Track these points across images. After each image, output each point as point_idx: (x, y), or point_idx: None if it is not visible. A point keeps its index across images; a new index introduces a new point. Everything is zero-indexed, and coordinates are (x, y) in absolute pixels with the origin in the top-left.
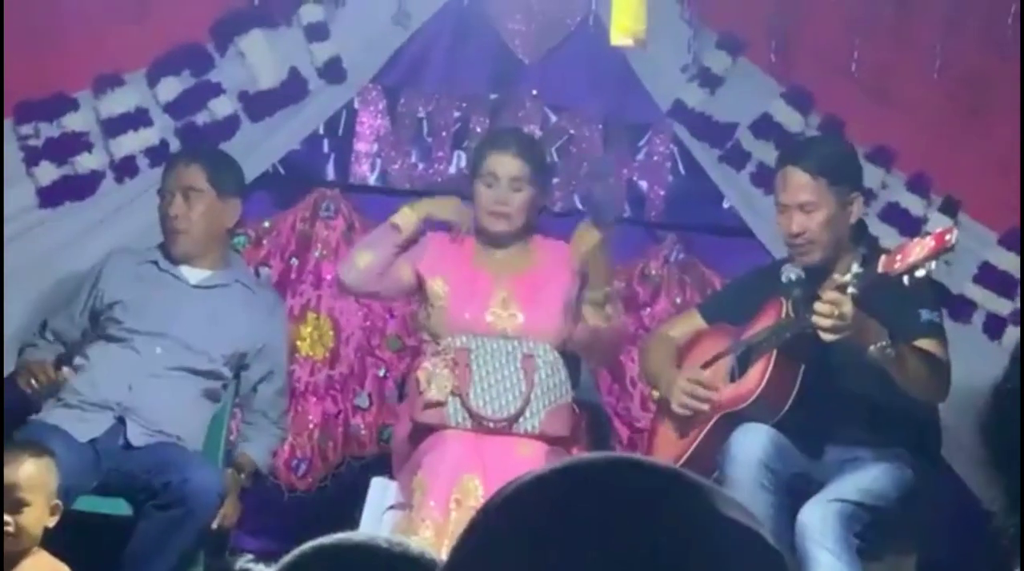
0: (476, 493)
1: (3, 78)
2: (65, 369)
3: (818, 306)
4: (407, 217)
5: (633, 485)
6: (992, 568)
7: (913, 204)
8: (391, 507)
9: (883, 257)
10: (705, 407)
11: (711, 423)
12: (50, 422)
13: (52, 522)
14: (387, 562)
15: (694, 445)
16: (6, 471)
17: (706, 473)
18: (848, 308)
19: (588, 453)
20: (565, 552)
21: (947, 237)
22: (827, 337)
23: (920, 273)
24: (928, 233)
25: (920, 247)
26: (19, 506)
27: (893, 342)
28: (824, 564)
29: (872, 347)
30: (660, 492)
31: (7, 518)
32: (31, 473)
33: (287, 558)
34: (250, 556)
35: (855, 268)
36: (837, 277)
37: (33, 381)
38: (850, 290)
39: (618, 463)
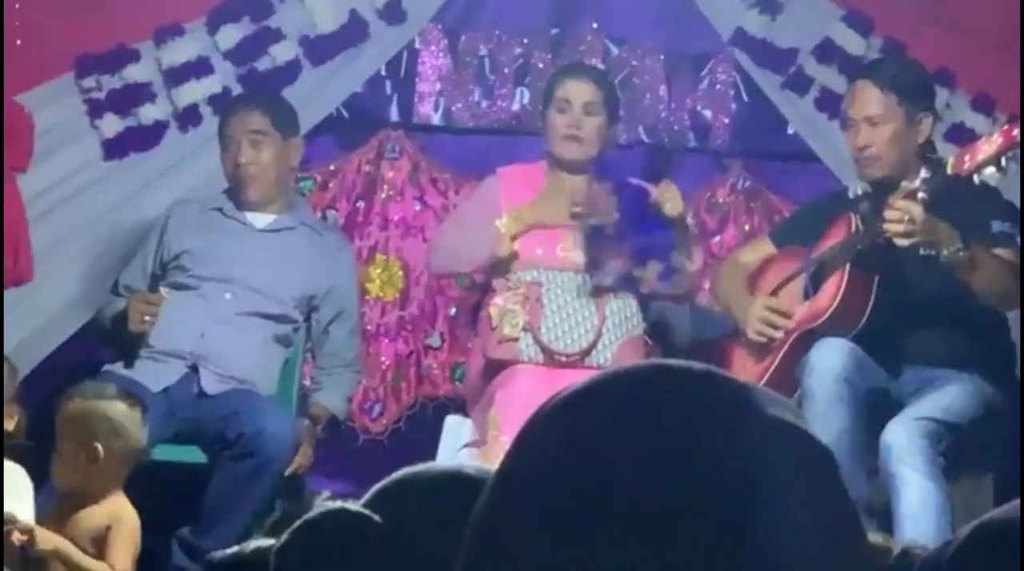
0: None
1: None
2: (163, 289)
3: (888, 213)
4: (505, 247)
5: (674, 388)
6: None
7: (978, 123)
8: (466, 445)
9: (951, 158)
10: (779, 334)
11: (789, 342)
12: (124, 373)
13: (128, 470)
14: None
15: (774, 365)
16: (98, 405)
17: (787, 390)
18: (919, 212)
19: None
20: (610, 460)
21: (1015, 132)
22: (900, 242)
23: (990, 170)
24: (999, 129)
25: (988, 144)
26: (104, 442)
27: (966, 245)
28: (913, 483)
29: (945, 251)
30: (701, 394)
31: (96, 445)
32: (122, 413)
33: (377, 487)
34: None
35: (923, 173)
36: (906, 185)
37: (146, 317)
38: (920, 195)
39: (658, 369)
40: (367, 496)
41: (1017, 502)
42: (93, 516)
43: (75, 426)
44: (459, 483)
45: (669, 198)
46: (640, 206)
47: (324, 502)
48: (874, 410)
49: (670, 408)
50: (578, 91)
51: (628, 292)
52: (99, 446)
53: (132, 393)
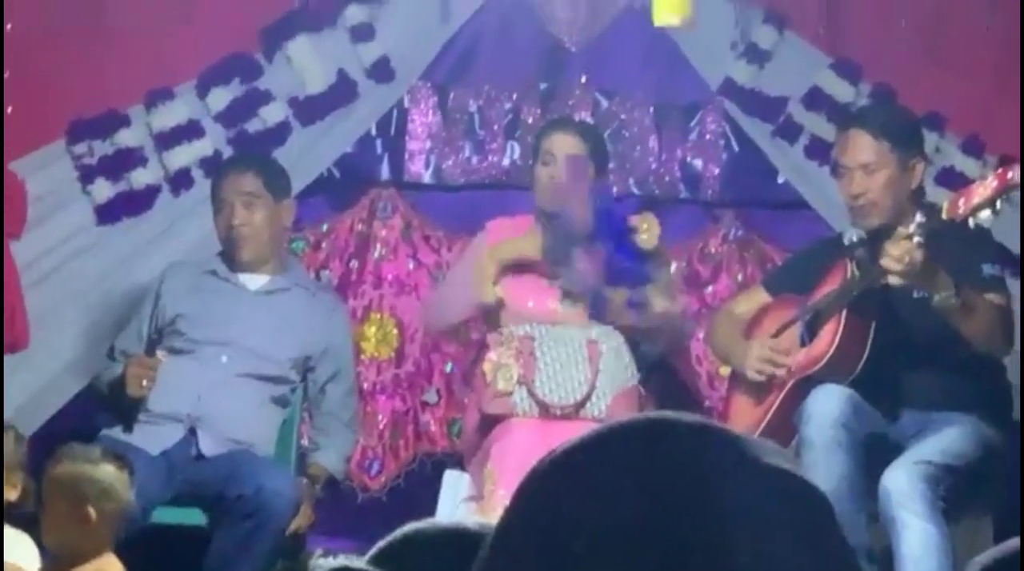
0: None
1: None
2: (159, 353)
3: (887, 255)
4: (489, 292)
5: (670, 441)
6: None
7: (968, 166)
8: (465, 499)
9: (946, 202)
10: (781, 371)
11: (786, 389)
12: (121, 438)
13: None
14: (475, 544)
15: (771, 412)
16: (86, 469)
17: (784, 439)
18: (918, 254)
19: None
20: (607, 514)
21: (1010, 174)
22: (897, 282)
23: (985, 214)
24: (990, 174)
25: (983, 187)
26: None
27: (959, 291)
28: (913, 527)
29: (938, 296)
30: (697, 446)
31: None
32: (111, 475)
33: (380, 544)
34: (321, 551)
35: (919, 217)
36: (902, 229)
37: (144, 381)
38: (916, 239)
39: (654, 421)
40: (370, 553)
41: (1015, 540)
42: None
43: (64, 489)
44: (461, 539)
45: (645, 229)
46: (619, 231)
47: (319, 559)
48: (873, 455)
49: (666, 461)
50: (564, 144)
51: (619, 339)
52: (91, 509)
53: (119, 454)
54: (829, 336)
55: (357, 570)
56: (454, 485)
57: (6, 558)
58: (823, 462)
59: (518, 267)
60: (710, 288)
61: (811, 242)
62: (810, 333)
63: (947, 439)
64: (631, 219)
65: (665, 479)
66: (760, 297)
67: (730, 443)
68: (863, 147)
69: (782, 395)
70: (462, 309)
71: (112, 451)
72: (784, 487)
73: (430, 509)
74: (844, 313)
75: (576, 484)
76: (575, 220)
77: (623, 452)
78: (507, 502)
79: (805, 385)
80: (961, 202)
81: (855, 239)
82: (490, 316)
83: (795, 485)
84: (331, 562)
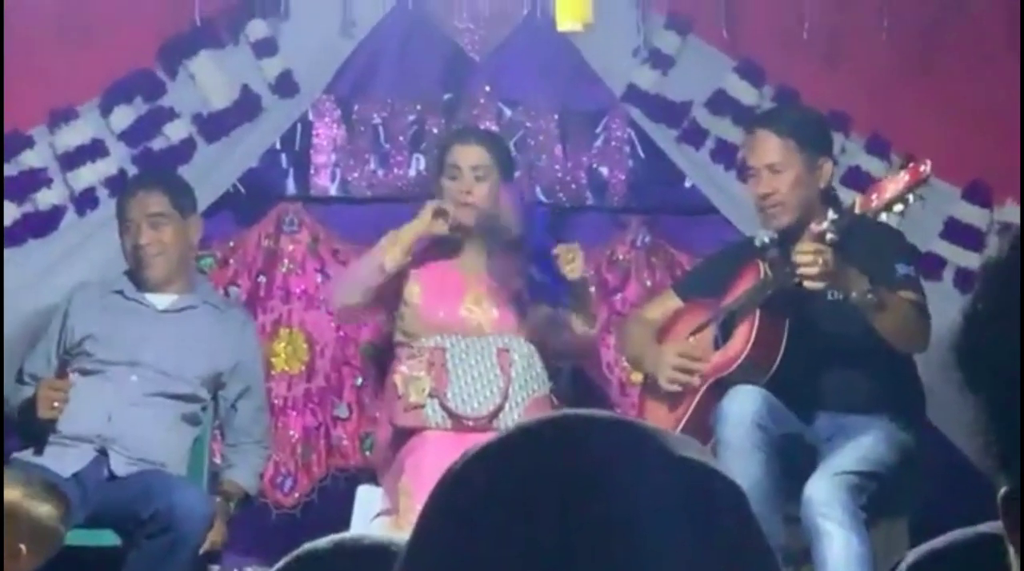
0: None
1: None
2: (72, 375)
3: (799, 256)
4: (391, 256)
5: (583, 437)
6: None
7: (873, 166)
8: (379, 514)
9: (858, 198)
10: (695, 380)
11: (701, 392)
12: (32, 460)
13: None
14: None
15: (686, 416)
16: (27, 505)
17: (701, 440)
18: (829, 254)
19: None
20: (523, 512)
21: (922, 168)
22: (810, 285)
23: (898, 208)
24: (902, 168)
25: (895, 183)
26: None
27: (874, 289)
28: (836, 537)
29: (854, 294)
30: (609, 440)
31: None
32: (50, 516)
33: (279, 565)
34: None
35: (831, 214)
36: (814, 227)
37: (55, 403)
38: (829, 237)
39: (563, 420)
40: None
41: (953, 533)
42: None
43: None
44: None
45: (569, 261)
46: (542, 246)
47: None
48: (788, 456)
49: (580, 456)
50: (466, 156)
51: (531, 347)
52: (23, 547)
53: (58, 490)
54: (743, 337)
55: None
56: (367, 500)
57: None
58: (739, 463)
59: (429, 270)
60: (619, 295)
61: (722, 246)
62: (724, 335)
63: (864, 447)
64: (557, 248)
65: (578, 475)
66: (671, 302)
67: (645, 436)
68: (770, 147)
69: (697, 398)
70: (367, 276)
71: (52, 484)
72: (699, 478)
73: (344, 524)
74: (758, 314)
75: (490, 484)
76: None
77: (536, 450)
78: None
79: (720, 387)
80: (874, 197)
81: (766, 240)
82: (397, 322)
83: (710, 477)
84: None
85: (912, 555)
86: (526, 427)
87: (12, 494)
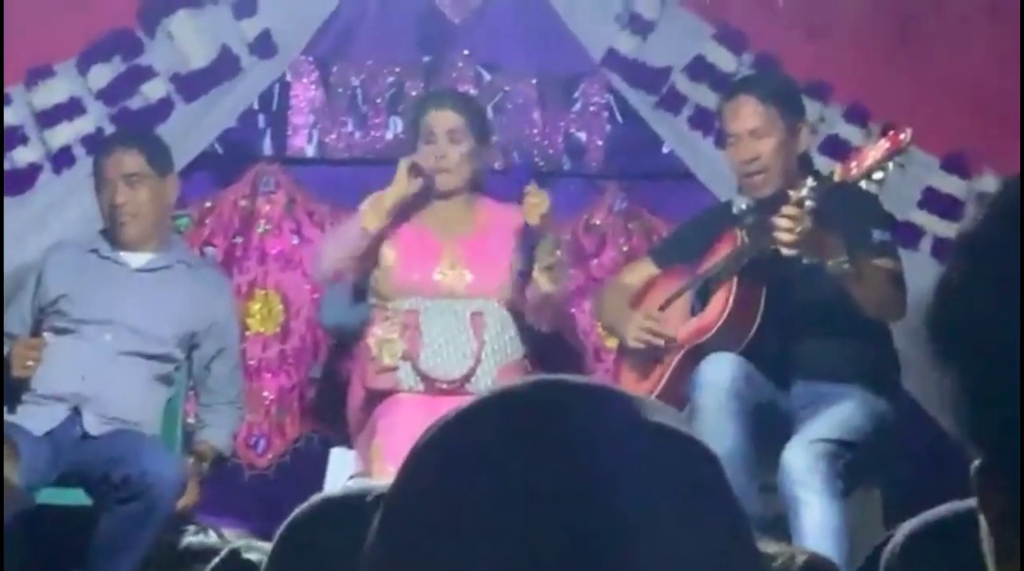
0: None
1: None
2: (46, 335)
3: (777, 221)
4: (373, 219)
5: (558, 401)
6: (956, 498)
7: (852, 134)
8: (352, 476)
9: (838, 166)
10: (660, 341)
11: (677, 358)
12: (5, 418)
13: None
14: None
15: (662, 382)
16: None
17: (676, 407)
18: (807, 221)
19: (510, 381)
20: (499, 475)
21: (901, 136)
22: (787, 252)
23: (878, 176)
24: (883, 135)
25: (875, 150)
26: None
27: (851, 257)
28: (813, 505)
29: (831, 262)
30: (584, 404)
31: None
32: None
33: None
34: (193, 528)
35: (810, 181)
36: (793, 194)
37: (29, 362)
38: (807, 204)
39: (539, 384)
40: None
41: (947, 505)
42: None
43: None
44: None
45: (533, 204)
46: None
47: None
48: (763, 424)
49: (555, 420)
50: (441, 120)
51: (503, 311)
52: None
53: (6, 438)
54: (720, 304)
55: (239, 549)
56: (341, 462)
57: None
58: (713, 431)
59: (405, 233)
60: (595, 261)
61: (699, 212)
62: (701, 302)
63: (842, 415)
64: (528, 187)
65: (554, 439)
66: (648, 269)
67: (620, 401)
68: (750, 113)
69: (673, 365)
70: (350, 243)
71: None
72: (674, 446)
73: (317, 486)
74: (735, 281)
75: (467, 448)
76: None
77: (512, 414)
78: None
79: (696, 354)
80: (854, 164)
81: (744, 207)
82: (372, 284)
83: (685, 444)
84: (206, 538)
85: (907, 527)
86: (504, 391)
87: None
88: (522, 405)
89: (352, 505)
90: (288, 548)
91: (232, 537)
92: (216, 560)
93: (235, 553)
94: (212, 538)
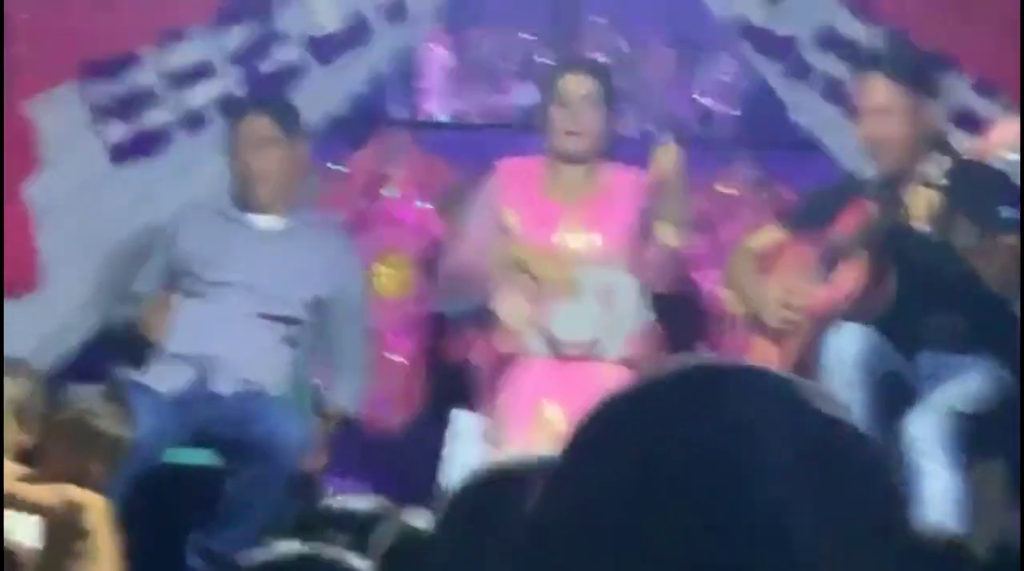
0: (557, 419)
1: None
2: (177, 295)
3: (908, 197)
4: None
5: (722, 386)
6: None
7: (981, 106)
8: (478, 439)
9: (969, 142)
10: (799, 317)
11: (807, 328)
12: (135, 378)
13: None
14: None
15: (792, 351)
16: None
17: (805, 376)
18: (938, 200)
19: (667, 363)
20: (656, 464)
21: None
22: (917, 227)
23: (1011, 156)
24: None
25: (1006, 128)
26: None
27: (980, 232)
28: (936, 475)
29: (958, 237)
30: (749, 390)
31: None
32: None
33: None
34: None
35: (940, 157)
36: (922, 169)
37: (159, 322)
38: (937, 180)
39: (703, 369)
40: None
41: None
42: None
43: (65, 440)
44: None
45: (660, 157)
46: None
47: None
48: (888, 394)
49: (715, 407)
50: (576, 85)
51: (632, 278)
52: (94, 467)
53: (119, 397)
54: (851, 276)
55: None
56: (463, 425)
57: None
58: (842, 399)
59: (529, 198)
60: (723, 229)
61: (827, 181)
62: (831, 271)
63: (967, 385)
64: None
65: (719, 423)
66: (776, 234)
67: (782, 386)
68: (879, 90)
69: (803, 333)
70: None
71: (113, 394)
72: (838, 433)
73: (441, 448)
74: (867, 254)
75: (632, 430)
76: None
77: (676, 398)
78: (519, 443)
79: (825, 323)
80: (985, 141)
81: (873, 180)
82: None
83: (847, 432)
84: (348, 501)
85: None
86: (669, 373)
87: (75, 415)
88: (682, 390)
89: (518, 474)
90: (457, 515)
91: (361, 502)
92: (379, 526)
93: (399, 518)
94: (351, 501)
